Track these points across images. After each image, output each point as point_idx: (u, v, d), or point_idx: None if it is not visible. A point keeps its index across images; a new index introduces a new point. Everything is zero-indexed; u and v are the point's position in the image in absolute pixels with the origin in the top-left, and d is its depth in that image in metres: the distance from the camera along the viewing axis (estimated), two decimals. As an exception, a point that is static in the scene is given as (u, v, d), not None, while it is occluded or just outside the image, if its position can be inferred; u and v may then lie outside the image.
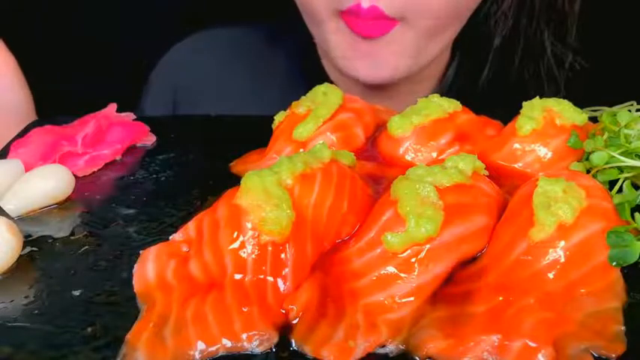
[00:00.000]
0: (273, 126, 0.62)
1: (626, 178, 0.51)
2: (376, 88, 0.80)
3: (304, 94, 0.62)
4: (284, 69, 0.87)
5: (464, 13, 0.75)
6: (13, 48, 0.96)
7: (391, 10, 0.68)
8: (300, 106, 0.60)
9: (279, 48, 0.89)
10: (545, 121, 0.55)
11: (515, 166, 0.56)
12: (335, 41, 0.73)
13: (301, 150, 0.57)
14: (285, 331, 0.40)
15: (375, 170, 0.56)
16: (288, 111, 0.62)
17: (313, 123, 0.58)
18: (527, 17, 0.80)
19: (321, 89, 0.61)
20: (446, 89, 0.84)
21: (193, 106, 0.88)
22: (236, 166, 0.60)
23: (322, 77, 0.84)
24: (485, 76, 0.82)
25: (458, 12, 0.73)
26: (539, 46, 0.82)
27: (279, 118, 0.62)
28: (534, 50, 0.82)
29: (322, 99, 0.60)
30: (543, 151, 0.55)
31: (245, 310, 0.41)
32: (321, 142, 0.53)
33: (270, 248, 0.43)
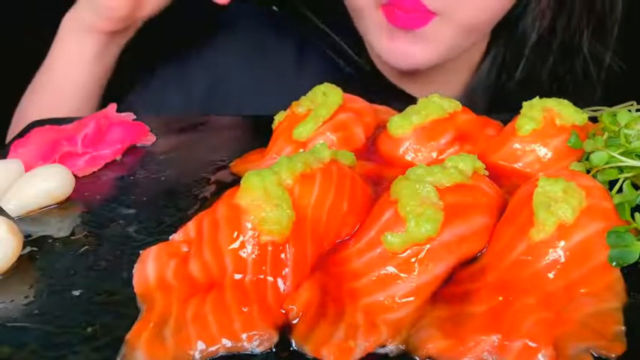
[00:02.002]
0: (273, 126, 0.62)
1: (626, 178, 0.50)
2: (412, 77, 0.84)
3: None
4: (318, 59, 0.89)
5: (501, 11, 0.77)
6: (14, 48, 0.97)
7: (431, 3, 0.70)
8: (299, 106, 0.60)
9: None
10: (545, 121, 0.55)
11: (515, 166, 0.56)
12: (374, 33, 0.77)
13: (301, 150, 0.57)
14: (285, 331, 0.40)
15: (375, 170, 0.56)
16: (287, 111, 0.62)
17: (313, 123, 0.58)
18: (566, 16, 0.81)
19: (320, 89, 0.61)
20: (481, 81, 0.86)
21: (224, 99, 0.88)
22: (236, 166, 0.60)
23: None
24: (521, 71, 0.83)
25: (496, 10, 0.76)
26: (576, 45, 0.82)
27: (279, 118, 0.62)
28: (571, 48, 0.83)
29: (322, 99, 0.60)
30: (543, 151, 0.55)
31: (245, 310, 0.41)
32: (321, 142, 0.53)
33: (270, 248, 0.43)
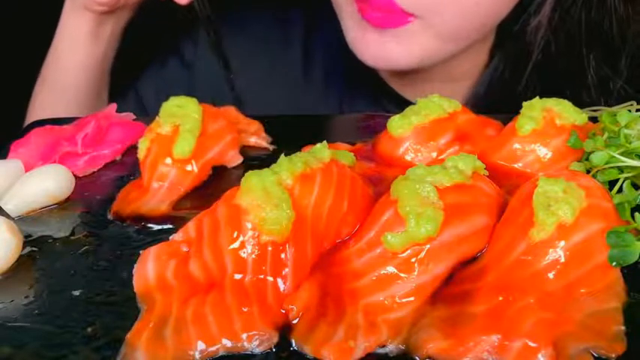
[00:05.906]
0: (140, 156, 0.57)
1: (626, 178, 0.50)
2: (407, 82, 0.82)
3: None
4: (321, 59, 0.87)
5: (488, 19, 0.73)
6: (15, 47, 0.97)
7: (405, 4, 0.68)
8: (163, 127, 0.57)
9: (315, 36, 0.89)
10: (545, 121, 0.55)
11: (515, 166, 0.56)
12: (348, 25, 0.75)
13: (188, 167, 0.56)
14: (285, 331, 0.41)
15: (375, 170, 0.56)
16: (148, 136, 0.57)
17: (191, 135, 0.56)
18: (567, 36, 0.76)
19: (173, 103, 0.59)
20: (480, 92, 0.83)
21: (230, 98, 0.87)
22: (116, 207, 0.54)
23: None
24: (522, 88, 0.79)
25: (481, 18, 0.72)
26: (581, 68, 0.78)
27: (143, 145, 0.57)
28: (576, 72, 0.78)
29: (182, 111, 0.58)
30: (543, 151, 0.55)
31: (245, 310, 0.41)
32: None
33: (270, 248, 0.43)
